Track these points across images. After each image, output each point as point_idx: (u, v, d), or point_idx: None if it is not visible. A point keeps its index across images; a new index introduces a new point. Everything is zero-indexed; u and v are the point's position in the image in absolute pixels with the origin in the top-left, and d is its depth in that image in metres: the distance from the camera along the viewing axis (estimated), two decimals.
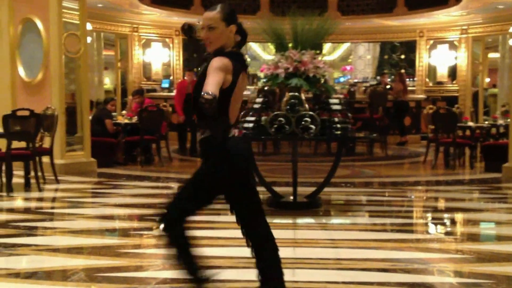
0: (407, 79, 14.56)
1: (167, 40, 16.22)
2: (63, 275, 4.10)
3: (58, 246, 4.78)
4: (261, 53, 19.14)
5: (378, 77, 15.47)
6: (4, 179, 7.28)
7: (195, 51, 16.11)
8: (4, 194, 6.99)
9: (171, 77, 16.07)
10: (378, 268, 4.28)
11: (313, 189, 6.72)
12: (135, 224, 6.01)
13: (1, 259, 4.45)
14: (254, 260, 4.42)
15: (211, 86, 2.84)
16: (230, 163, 3.09)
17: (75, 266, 4.28)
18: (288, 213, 6.15)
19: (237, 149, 3.11)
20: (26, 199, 7.02)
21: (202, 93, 2.80)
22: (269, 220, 5.06)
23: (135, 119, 10.09)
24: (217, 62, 2.98)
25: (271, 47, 18.14)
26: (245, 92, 15.33)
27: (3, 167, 7.34)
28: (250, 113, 6.24)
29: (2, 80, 9.18)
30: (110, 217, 6.11)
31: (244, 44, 3.24)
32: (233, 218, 5.70)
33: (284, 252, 4.60)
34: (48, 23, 8.62)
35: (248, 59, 21.28)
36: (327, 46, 17.53)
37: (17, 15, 9.03)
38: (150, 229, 5.68)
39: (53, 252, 4.62)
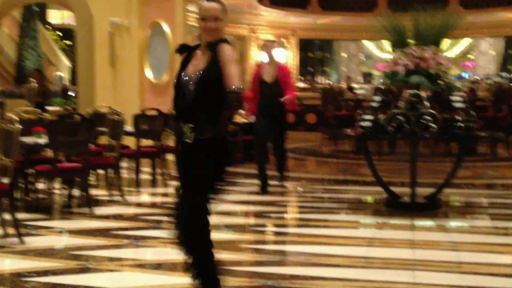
0: None
1: (283, 40, 16.38)
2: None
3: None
4: (375, 51, 18.78)
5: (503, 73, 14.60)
6: (132, 175, 7.73)
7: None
8: (133, 189, 7.41)
9: None
10: (505, 273, 4.06)
11: (430, 189, 6.47)
12: (253, 220, 6.13)
13: (130, 250, 4.72)
14: (373, 260, 4.35)
15: (237, 79, 3.00)
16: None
17: None
18: (406, 213, 5.97)
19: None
20: (153, 194, 7.39)
21: (234, 87, 2.97)
22: (386, 220, 4.98)
23: (253, 118, 10.24)
24: (231, 51, 3.11)
25: (386, 45, 17.69)
26: (361, 91, 15.00)
27: (132, 164, 7.80)
28: (368, 112, 6.13)
29: (132, 82, 9.73)
30: (230, 213, 6.27)
31: None
32: (348, 217, 5.68)
33: (402, 253, 4.53)
34: (174, 26, 9.03)
35: (363, 58, 20.97)
36: (445, 42, 16.85)
37: (146, 20, 9.53)
38: (267, 225, 5.79)
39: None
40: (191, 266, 3.31)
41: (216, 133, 3.15)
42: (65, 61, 22.16)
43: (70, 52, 21.88)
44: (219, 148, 3.21)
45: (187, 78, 3.18)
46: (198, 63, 3.18)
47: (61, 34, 23.33)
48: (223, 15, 3.17)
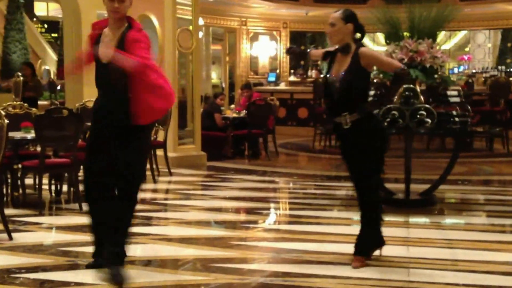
0: None
1: (274, 33, 16.38)
2: (176, 264, 4.30)
3: (172, 236, 5.01)
4: (370, 44, 18.76)
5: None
6: None
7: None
8: None
9: (278, 71, 16.23)
10: (501, 271, 4.11)
11: (425, 186, 6.54)
12: (244, 217, 6.17)
13: None
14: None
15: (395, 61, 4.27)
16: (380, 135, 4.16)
17: (188, 256, 4.48)
18: (400, 210, 6.02)
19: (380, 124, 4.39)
20: (142, 190, 7.38)
21: (403, 67, 4.07)
22: None
23: (243, 113, 10.30)
24: (372, 50, 4.25)
25: (381, 37, 17.75)
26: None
27: None
28: None
29: None
30: (220, 209, 6.31)
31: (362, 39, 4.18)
32: (340, 214, 5.73)
33: (397, 251, 4.57)
34: (163, 19, 9.00)
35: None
36: (441, 35, 16.86)
37: (135, 12, 9.46)
38: (258, 222, 5.82)
39: (167, 241, 4.85)
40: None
41: (364, 112, 4.02)
42: (52, 54, 22.09)
43: (56, 45, 21.82)
44: (376, 133, 4.10)
45: (333, 78, 4.10)
46: (340, 66, 4.09)
47: (47, 26, 23.26)
48: (337, 21, 4.06)
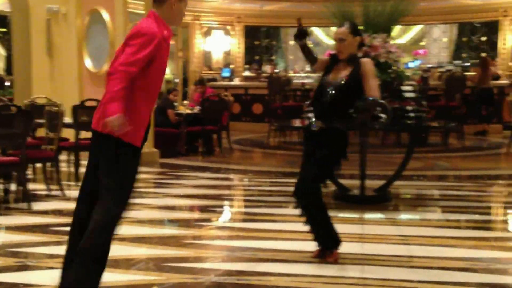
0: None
1: (228, 27, 16.37)
2: (129, 263, 4.27)
3: (124, 235, 4.95)
4: (324, 39, 18.94)
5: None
6: (72, 169, 7.65)
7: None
8: (73, 183, 7.32)
9: (232, 66, 16.23)
10: (457, 267, 4.21)
11: (381, 182, 6.65)
12: (198, 215, 6.17)
13: None
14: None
15: (377, 91, 4.10)
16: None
17: (140, 255, 4.46)
18: (355, 207, 6.12)
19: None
20: None
21: (371, 98, 4.00)
22: (334, 214, 5.13)
23: (197, 109, 10.28)
24: (372, 66, 4.20)
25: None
26: (307, 81, 14.96)
27: (72, 157, 7.73)
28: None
29: (70, 71, 9.56)
30: (173, 208, 6.30)
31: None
32: (295, 211, 5.78)
33: (351, 248, 4.64)
34: (114, 14, 8.89)
35: (311, 45, 21.22)
36: (396, 29, 17.13)
37: (84, 7, 9.36)
38: (212, 220, 5.83)
39: (120, 241, 4.78)
40: (305, 222, 4.38)
41: (342, 126, 4.19)
42: (0, 50, 21.58)
43: (4, 40, 21.28)
44: (339, 139, 4.24)
45: (327, 83, 4.24)
46: (339, 72, 4.23)
47: None
48: (347, 36, 4.21)
